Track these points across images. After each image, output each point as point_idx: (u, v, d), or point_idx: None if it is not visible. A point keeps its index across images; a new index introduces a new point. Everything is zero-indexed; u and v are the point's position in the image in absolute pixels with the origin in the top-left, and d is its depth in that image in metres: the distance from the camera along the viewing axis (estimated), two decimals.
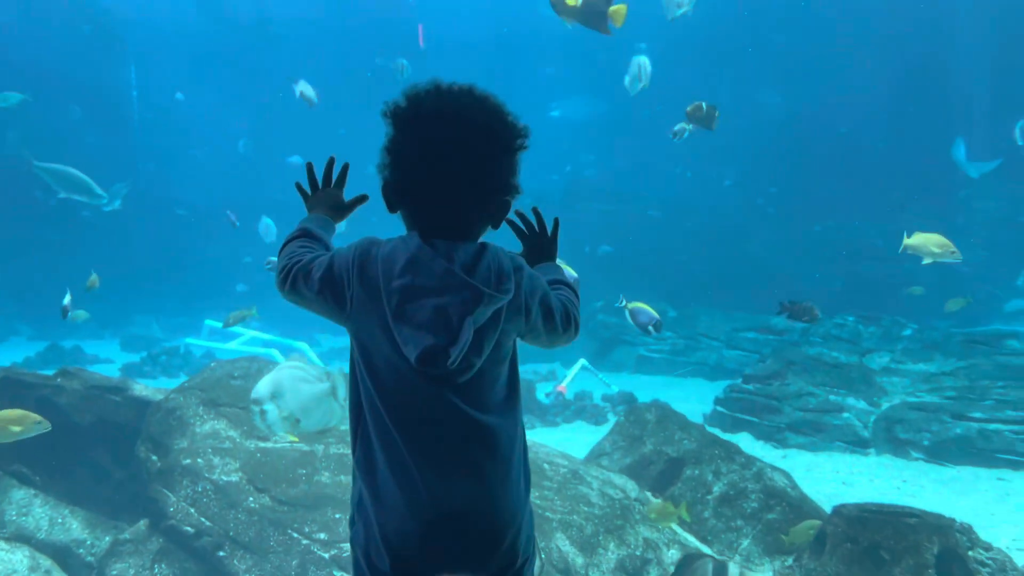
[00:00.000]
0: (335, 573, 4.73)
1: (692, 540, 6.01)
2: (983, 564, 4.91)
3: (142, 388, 6.06)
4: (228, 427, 5.68)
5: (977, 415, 8.00)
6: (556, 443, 7.16)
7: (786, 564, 5.63)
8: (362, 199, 2.24)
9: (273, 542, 4.81)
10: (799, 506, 6.08)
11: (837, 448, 8.54)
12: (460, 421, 1.80)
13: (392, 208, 1.90)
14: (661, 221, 18.53)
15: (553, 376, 12.46)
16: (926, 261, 6.73)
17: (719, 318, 14.08)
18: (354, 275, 1.83)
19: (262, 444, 5.58)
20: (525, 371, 12.45)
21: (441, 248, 1.79)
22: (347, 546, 5.02)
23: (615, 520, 5.61)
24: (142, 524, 5.04)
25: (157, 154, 20.56)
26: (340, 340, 17.94)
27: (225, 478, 5.13)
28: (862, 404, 8.86)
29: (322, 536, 4.83)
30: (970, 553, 4.91)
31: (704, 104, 7.58)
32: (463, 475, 1.80)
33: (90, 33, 18.75)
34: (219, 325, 14.94)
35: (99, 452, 5.79)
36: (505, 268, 1.83)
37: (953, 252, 6.64)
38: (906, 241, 6.77)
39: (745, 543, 5.97)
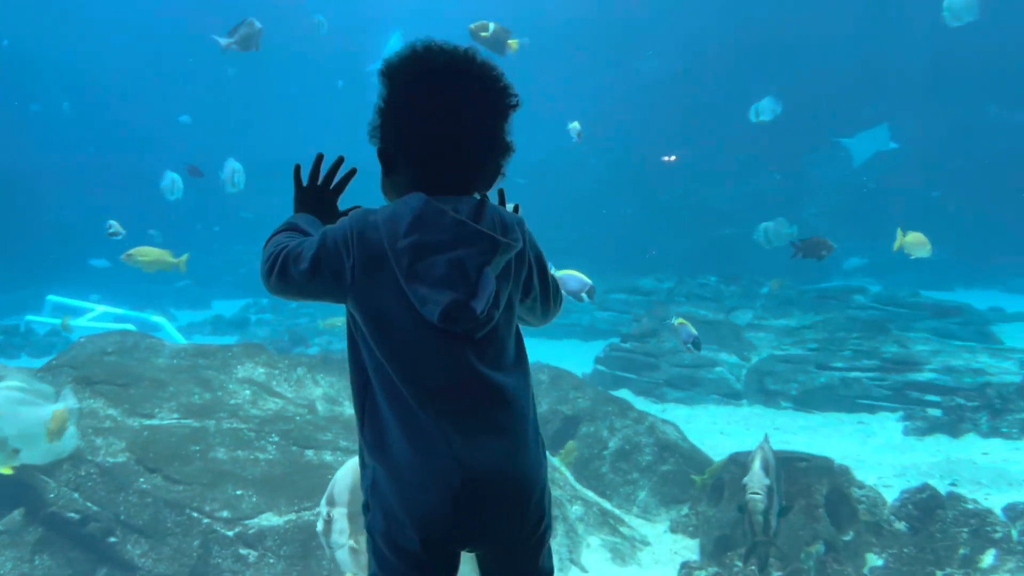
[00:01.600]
0: (241, 551, 4.50)
1: (591, 495, 6.15)
2: (859, 501, 5.29)
3: (2, 368, 5.52)
4: (107, 405, 5.28)
5: (838, 365, 8.60)
6: None
7: (682, 513, 5.87)
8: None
9: (171, 523, 4.52)
10: (691, 457, 6.33)
11: (712, 400, 8.96)
12: (480, 381, 1.72)
13: (390, 170, 1.83)
14: (526, 188, 18.75)
15: None
16: (915, 256, 7.70)
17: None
18: (353, 243, 1.73)
19: (147, 421, 5.23)
20: None
21: (447, 203, 1.73)
22: (252, 522, 4.79)
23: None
24: (16, 514, 4.60)
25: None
26: (200, 314, 17.11)
27: (111, 459, 4.76)
28: (733, 359, 9.32)
29: (224, 514, 4.58)
30: (851, 491, 5.28)
31: (491, 24, 7.16)
32: (488, 437, 1.72)
33: None
34: (64, 300, 13.89)
35: None
36: (508, 219, 1.78)
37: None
38: (902, 239, 7.64)
39: (642, 495, 6.16)
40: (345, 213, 2.01)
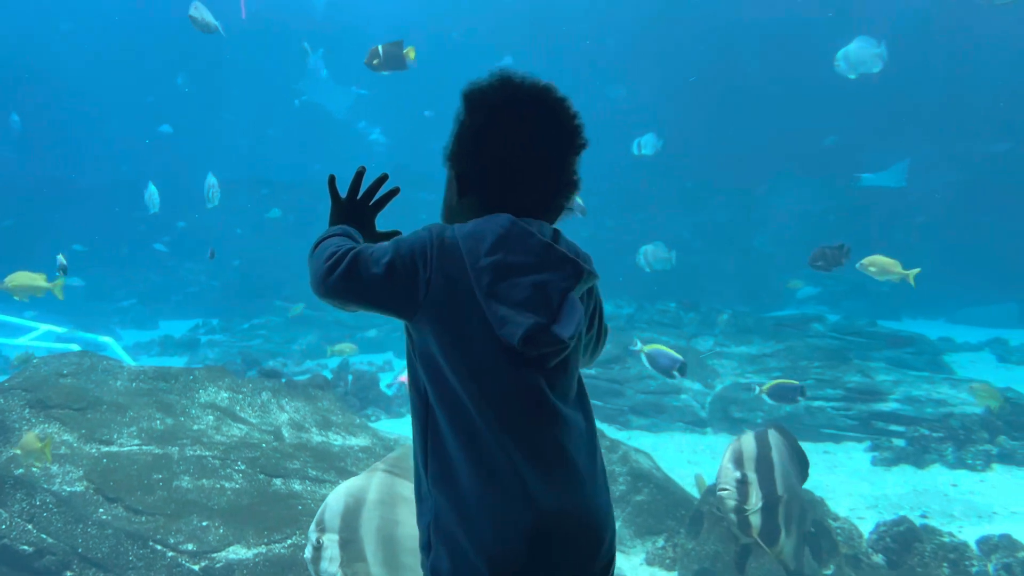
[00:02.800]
0: None
1: None
2: (836, 533, 5.27)
3: None
4: (62, 430, 5.01)
5: None
6: (405, 433, 6.95)
7: (658, 545, 5.77)
8: (395, 234, 1.96)
9: (132, 556, 4.27)
10: (665, 487, 6.25)
11: (678, 428, 8.92)
12: (552, 412, 1.65)
13: (466, 192, 1.80)
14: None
15: (389, 367, 12.17)
16: (881, 279, 7.36)
17: None
18: (433, 257, 1.66)
19: (106, 448, 4.97)
20: (360, 361, 12.12)
21: (532, 225, 1.70)
22: (220, 555, 4.55)
23: None
24: None
25: None
26: (146, 334, 16.58)
27: (68, 488, 4.50)
28: (698, 386, 9.31)
29: (190, 547, 4.35)
30: (828, 524, 5.25)
31: (379, 47, 7.07)
32: (565, 472, 1.63)
33: None
34: (2, 318, 13.32)
35: None
36: (581, 250, 1.76)
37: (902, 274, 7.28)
38: (863, 262, 7.35)
39: (616, 526, 6.05)
40: (385, 235, 1.94)
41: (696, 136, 18.53)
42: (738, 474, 3.89)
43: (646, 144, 11.16)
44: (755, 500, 3.82)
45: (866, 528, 5.39)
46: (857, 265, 7.39)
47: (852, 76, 8.75)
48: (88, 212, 19.48)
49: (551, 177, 1.78)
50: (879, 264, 7.20)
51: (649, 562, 5.65)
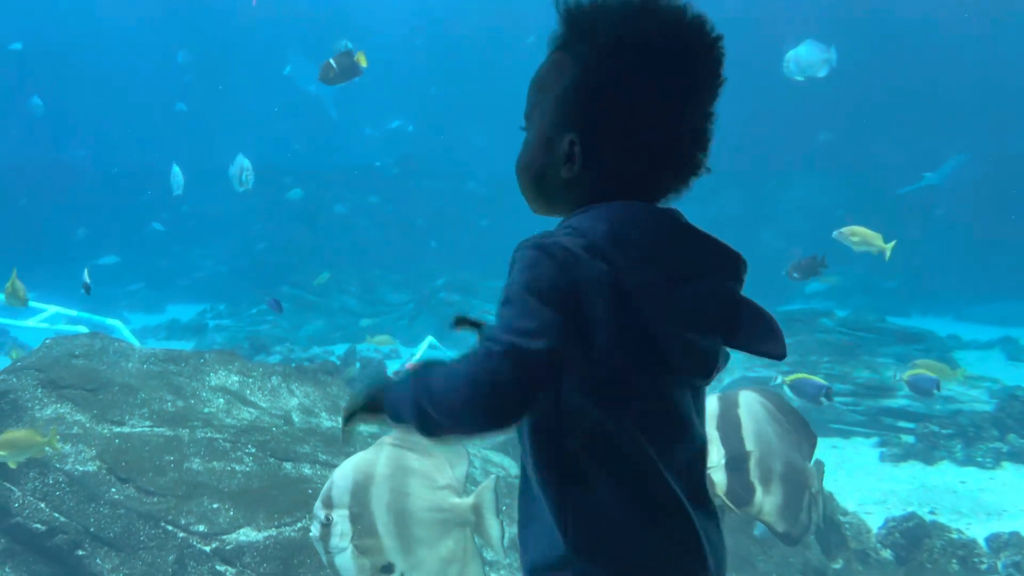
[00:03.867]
0: (218, 567, 4.29)
1: None
2: (846, 528, 5.27)
3: None
4: (74, 411, 5.03)
5: None
6: None
7: None
8: None
9: (144, 536, 4.29)
10: None
11: None
12: (703, 447, 1.43)
13: (592, 164, 1.39)
14: (487, 198, 18.61)
15: (396, 355, 12.18)
16: (858, 249, 7.16)
17: None
18: (569, 292, 1.26)
19: (117, 429, 4.98)
20: (367, 348, 12.14)
21: (677, 214, 1.42)
22: (230, 537, 4.57)
23: (503, 499, 5.50)
24: None
25: None
26: (154, 318, 16.62)
27: (80, 468, 4.51)
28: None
29: (201, 528, 4.36)
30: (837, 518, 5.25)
31: (331, 61, 6.92)
32: (710, 522, 1.41)
33: None
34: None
35: None
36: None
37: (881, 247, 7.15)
38: (843, 231, 7.16)
39: None
40: None
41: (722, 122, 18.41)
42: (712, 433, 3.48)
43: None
44: (716, 457, 3.40)
45: (875, 523, 5.39)
46: (835, 233, 7.24)
47: (800, 78, 8.57)
48: (96, 194, 19.53)
49: (706, 142, 1.43)
50: (859, 234, 7.11)
51: None
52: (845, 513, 5.44)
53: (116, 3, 20.06)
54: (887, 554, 5.05)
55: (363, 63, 6.95)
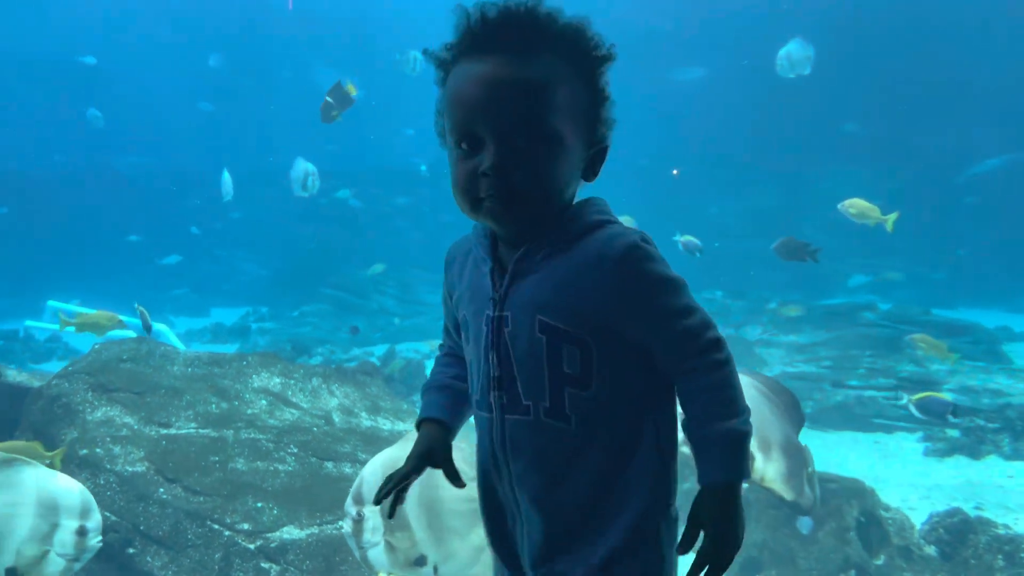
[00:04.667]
0: (262, 564, 4.39)
1: None
2: (888, 524, 5.21)
3: (16, 373, 5.43)
4: (123, 413, 5.18)
5: (853, 383, 8.54)
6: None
7: None
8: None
9: (191, 535, 4.40)
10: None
11: None
12: None
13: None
14: None
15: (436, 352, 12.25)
16: (859, 221, 7.37)
17: None
18: None
19: (164, 431, 5.12)
20: (405, 349, 12.25)
21: None
22: (274, 535, 4.68)
23: None
24: None
25: None
26: (199, 322, 16.96)
27: (130, 468, 4.65)
28: None
29: (245, 527, 4.47)
30: (880, 514, 5.19)
31: (328, 98, 7.20)
32: None
33: None
34: (63, 306, 13.75)
35: None
36: None
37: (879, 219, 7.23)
38: (844, 204, 7.34)
39: None
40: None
41: (742, 119, 18.28)
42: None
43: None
44: None
45: (918, 519, 5.31)
46: (839, 206, 7.42)
47: (791, 76, 8.83)
48: (143, 200, 19.95)
49: None
50: (858, 207, 7.20)
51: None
52: (887, 509, 5.36)
53: (154, 14, 20.43)
54: (931, 550, 4.98)
55: (353, 92, 7.27)
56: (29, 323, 13.73)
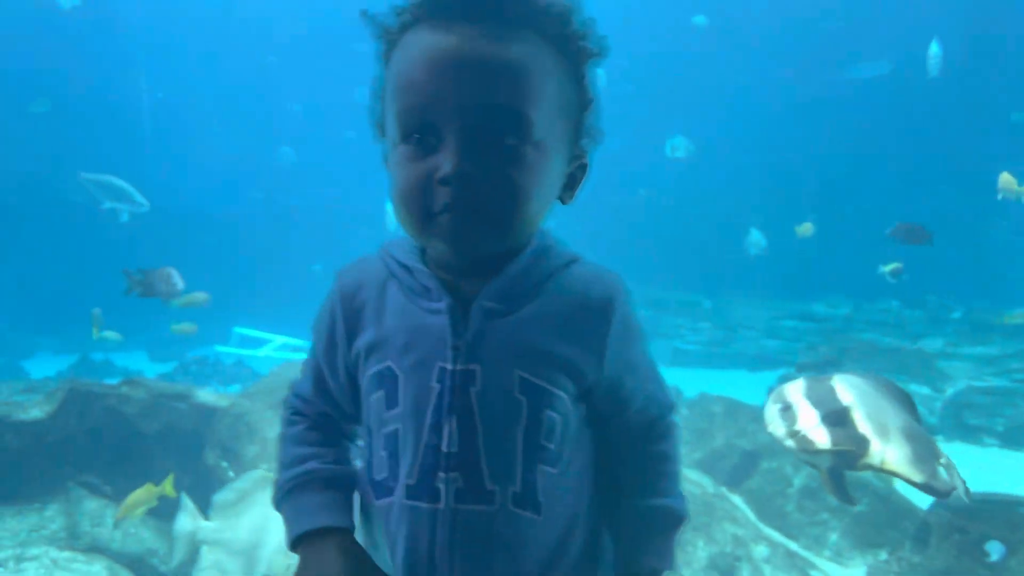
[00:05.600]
0: None
1: (776, 535, 5.83)
2: None
3: (205, 394, 5.90)
4: None
5: None
6: None
7: (880, 559, 5.45)
8: None
9: None
10: (887, 497, 5.87)
11: None
12: None
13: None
14: (671, 207, 18.10)
15: None
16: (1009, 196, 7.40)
17: (756, 306, 13.88)
18: None
19: None
20: None
21: None
22: None
23: (700, 517, 5.42)
24: None
25: (167, 155, 20.07)
26: None
27: None
28: (926, 390, 8.63)
29: None
30: None
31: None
32: None
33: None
34: (249, 332, 14.88)
35: (165, 460, 5.62)
36: None
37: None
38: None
39: (833, 537, 5.78)
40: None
41: (923, 115, 17.09)
42: (779, 405, 3.09)
43: (679, 147, 11.36)
44: (807, 417, 3.00)
45: None
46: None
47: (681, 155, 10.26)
48: (325, 231, 21.12)
49: None
50: (1007, 181, 7.41)
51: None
52: None
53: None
54: None
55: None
56: (218, 348, 14.91)
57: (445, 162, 1.15)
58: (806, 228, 10.46)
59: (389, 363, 1.30)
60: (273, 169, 20.51)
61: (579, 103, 1.28)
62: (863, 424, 2.92)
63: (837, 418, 2.96)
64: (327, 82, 20.90)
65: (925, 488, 2.90)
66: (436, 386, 1.25)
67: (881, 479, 6.12)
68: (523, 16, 1.18)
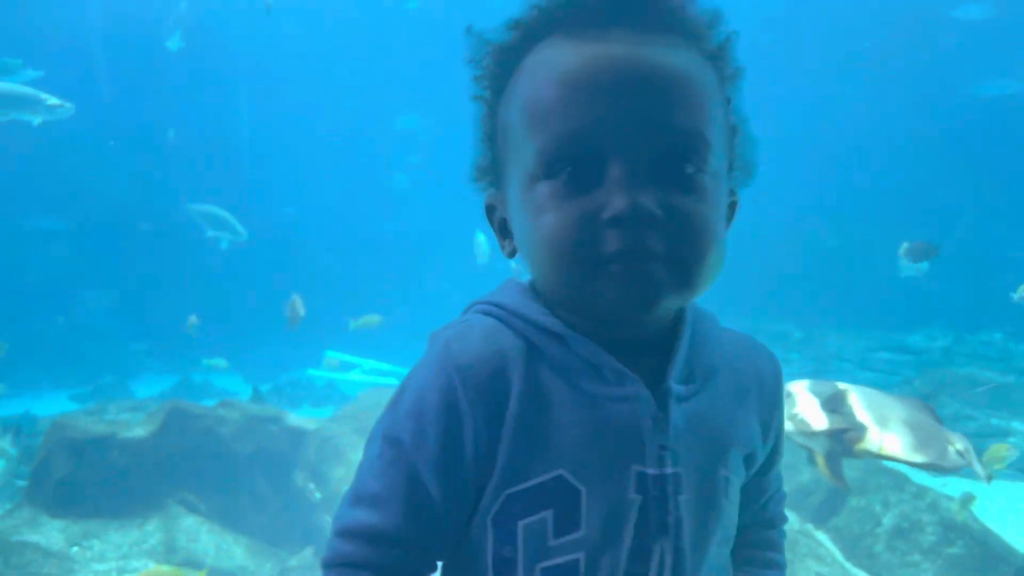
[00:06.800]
0: None
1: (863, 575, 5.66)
2: None
3: (295, 418, 6.15)
4: None
5: None
6: None
7: None
8: None
9: None
10: (984, 540, 5.63)
11: (1005, 476, 7.92)
12: None
13: None
14: (756, 232, 17.61)
15: None
16: None
17: (849, 337, 13.47)
18: None
19: None
20: None
21: None
22: None
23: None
24: (308, 552, 5.05)
25: (266, 182, 20.68)
26: None
27: None
28: None
29: None
30: None
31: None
32: None
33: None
34: (339, 355, 15.31)
35: (257, 480, 5.88)
36: None
37: None
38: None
39: None
40: None
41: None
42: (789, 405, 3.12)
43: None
44: (806, 403, 3.06)
45: None
46: None
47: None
48: (404, 260, 21.60)
49: None
50: None
51: None
52: None
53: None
54: None
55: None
56: (311, 371, 15.38)
57: (614, 198, 0.91)
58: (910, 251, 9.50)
59: (561, 471, 0.97)
60: (374, 196, 20.88)
61: (733, 127, 1.05)
62: (861, 412, 3.01)
63: (835, 404, 3.06)
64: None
65: (929, 467, 2.93)
66: (636, 497, 0.97)
67: (976, 522, 5.87)
68: (680, 23, 0.98)
